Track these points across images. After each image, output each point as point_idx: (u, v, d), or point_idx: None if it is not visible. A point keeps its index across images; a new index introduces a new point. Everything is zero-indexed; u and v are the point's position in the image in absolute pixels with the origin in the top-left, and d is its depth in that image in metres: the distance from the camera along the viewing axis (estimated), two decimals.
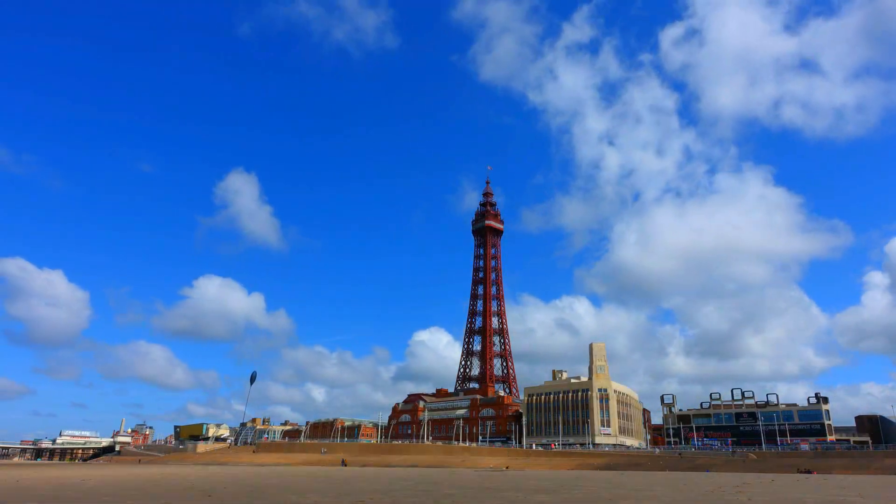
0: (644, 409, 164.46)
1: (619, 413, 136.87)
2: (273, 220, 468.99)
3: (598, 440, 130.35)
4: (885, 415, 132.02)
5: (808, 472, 75.80)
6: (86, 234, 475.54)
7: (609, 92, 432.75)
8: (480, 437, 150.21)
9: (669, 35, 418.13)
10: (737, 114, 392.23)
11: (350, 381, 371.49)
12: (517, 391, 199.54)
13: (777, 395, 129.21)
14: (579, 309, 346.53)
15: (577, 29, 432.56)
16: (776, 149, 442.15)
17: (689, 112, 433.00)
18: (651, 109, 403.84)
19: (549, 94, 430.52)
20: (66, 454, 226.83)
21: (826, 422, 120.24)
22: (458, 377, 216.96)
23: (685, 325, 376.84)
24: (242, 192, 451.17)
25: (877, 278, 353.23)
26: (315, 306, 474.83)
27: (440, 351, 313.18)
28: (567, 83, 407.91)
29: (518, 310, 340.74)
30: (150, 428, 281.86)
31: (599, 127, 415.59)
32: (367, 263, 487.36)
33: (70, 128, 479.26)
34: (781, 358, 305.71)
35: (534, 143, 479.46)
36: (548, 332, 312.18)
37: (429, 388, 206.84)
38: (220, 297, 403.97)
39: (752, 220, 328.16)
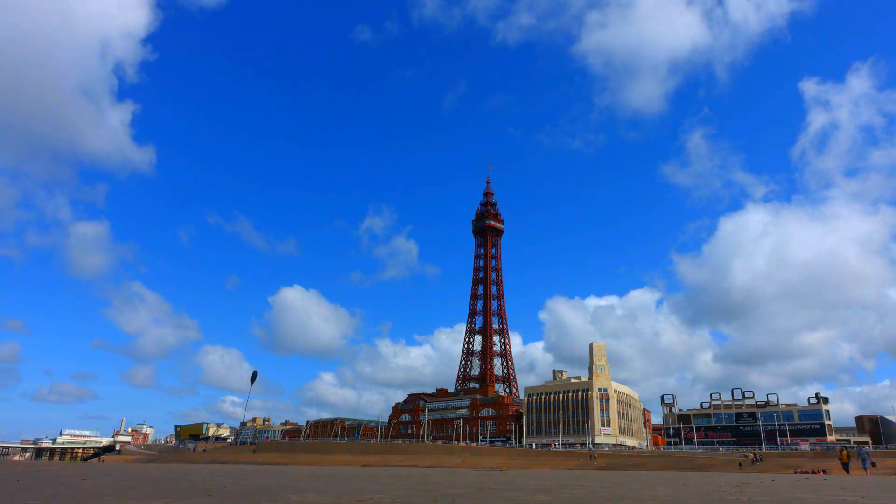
0: (644, 409, 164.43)
1: (619, 413, 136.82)
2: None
3: (598, 440, 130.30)
4: (885, 415, 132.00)
5: (814, 472, 75.49)
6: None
7: None
8: (480, 437, 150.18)
9: None
10: None
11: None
12: (517, 391, 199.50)
13: (777, 396, 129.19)
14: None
15: None
16: None
17: None
18: None
19: None
20: (66, 454, 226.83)
21: (826, 422, 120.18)
22: (458, 377, 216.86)
23: None
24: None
25: None
26: None
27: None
28: None
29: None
30: (151, 427, 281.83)
31: None
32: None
33: None
34: None
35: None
36: None
37: (429, 388, 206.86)
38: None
39: None
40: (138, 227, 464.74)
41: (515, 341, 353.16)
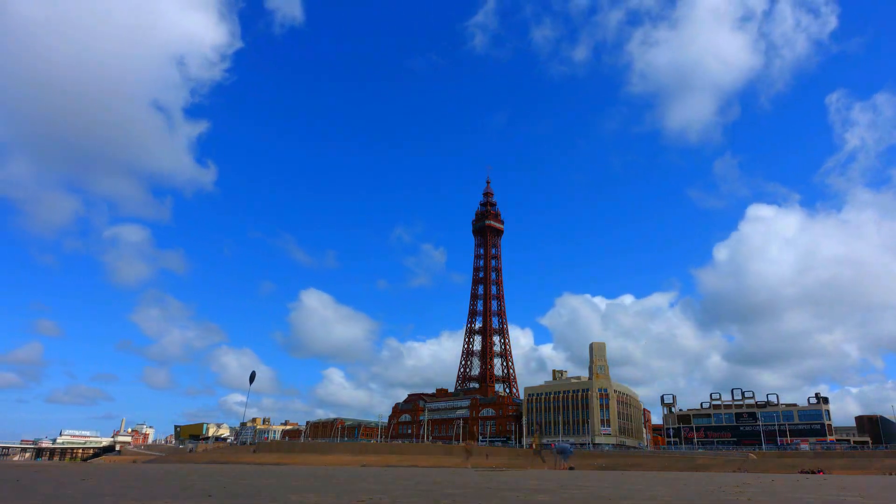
0: (644, 409, 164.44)
1: (619, 413, 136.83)
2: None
3: (598, 440, 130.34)
4: (885, 415, 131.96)
5: (813, 472, 75.51)
6: None
7: None
8: (480, 438, 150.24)
9: None
10: None
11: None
12: (517, 391, 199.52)
13: (777, 396, 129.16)
14: None
15: None
16: None
17: None
18: None
19: None
20: (66, 454, 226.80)
21: (826, 422, 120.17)
22: (458, 377, 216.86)
23: None
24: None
25: None
26: None
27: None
28: None
29: None
30: (151, 427, 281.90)
31: None
32: None
33: None
34: None
35: None
36: None
37: (429, 388, 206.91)
38: None
39: None
40: (188, 238, 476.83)
41: (525, 341, 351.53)
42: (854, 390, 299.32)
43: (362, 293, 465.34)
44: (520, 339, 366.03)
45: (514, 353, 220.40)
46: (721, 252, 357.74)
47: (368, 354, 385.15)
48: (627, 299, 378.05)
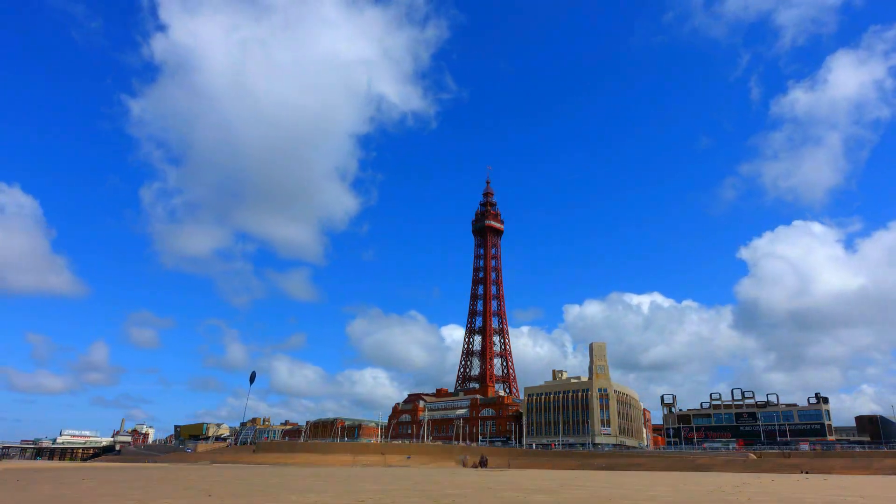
0: (644, 409, 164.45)
1: (619, 413, 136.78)
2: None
3: (598, 440, 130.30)
4: (885, 415, 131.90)
5: (804, 472, 75.76)
6: None
7: None
8: (480, 437, 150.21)
9: None
10: None
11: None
12: (517, 391, 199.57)
13: (777, 395, 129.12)
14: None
15: None
16: None
17: None
18: None
19: None
20: (66, 454, 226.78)
21: (826, 422, 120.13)
22: (458, 377, 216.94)
23: None
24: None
25: None
26: None
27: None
28: None
29: None
30: (151, 427, 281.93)
31: None
32: None
33: None
34: None
35: None
36: None
37: (429, 388, 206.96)
38: None
39: None
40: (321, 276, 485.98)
41: (541, 341, 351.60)
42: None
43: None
44: (520, 340, 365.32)
45: (513, 353, 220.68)
46: (744, 254, 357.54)
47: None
48: (657, 297, 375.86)
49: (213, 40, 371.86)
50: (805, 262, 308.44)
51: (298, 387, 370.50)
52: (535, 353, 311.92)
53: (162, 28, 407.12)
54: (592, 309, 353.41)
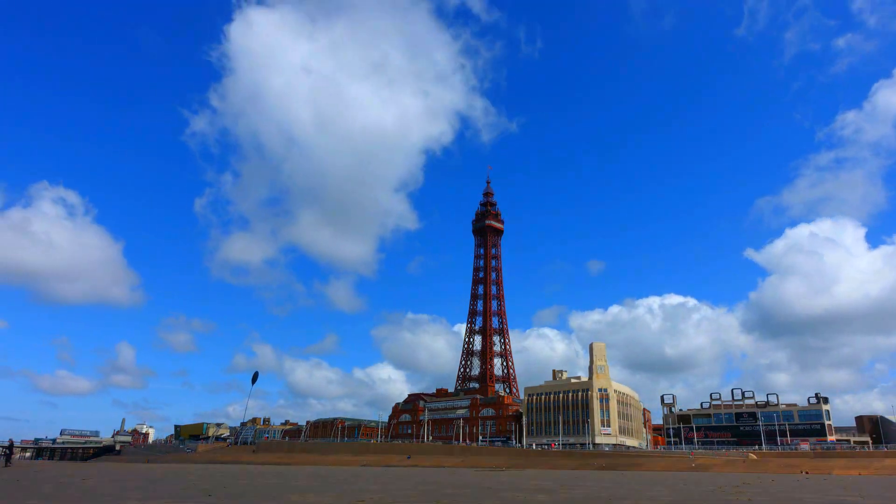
0: (644, 409, 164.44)
1: (619, 413, 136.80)
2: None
3: (598, 440, 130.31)
4: (885, 415, 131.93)
5: (803, 472, 75.72)
6: None
7: None
8: (480, 437, 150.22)
9: None
10: None
11: None
12: (517, 391, 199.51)
13: (777, 395, 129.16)
14: None
15: None
16: None
17: None
18: None
19: None
20: (66, 454, 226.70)
21: (826, 422, 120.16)
22: (458, 377, 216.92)
23: None
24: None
25: None
26: None
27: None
28: None
29: None
30: (151, 427, 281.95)
31: None
32: None
33: None
34: None
35: None
36: None
37: (429, 388, 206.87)
38: None
39: None
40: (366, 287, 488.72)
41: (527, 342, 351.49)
42: None
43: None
44: (539, 342, 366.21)
45: (513, 353, 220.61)
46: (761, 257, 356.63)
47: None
48: (679, 298, 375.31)
49: (278, 53, 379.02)
50: (825, 263, 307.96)
51: (318, 388, 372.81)
52: (556, 353, 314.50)
53: (220, 38, 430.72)
54: (611, 310, 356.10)
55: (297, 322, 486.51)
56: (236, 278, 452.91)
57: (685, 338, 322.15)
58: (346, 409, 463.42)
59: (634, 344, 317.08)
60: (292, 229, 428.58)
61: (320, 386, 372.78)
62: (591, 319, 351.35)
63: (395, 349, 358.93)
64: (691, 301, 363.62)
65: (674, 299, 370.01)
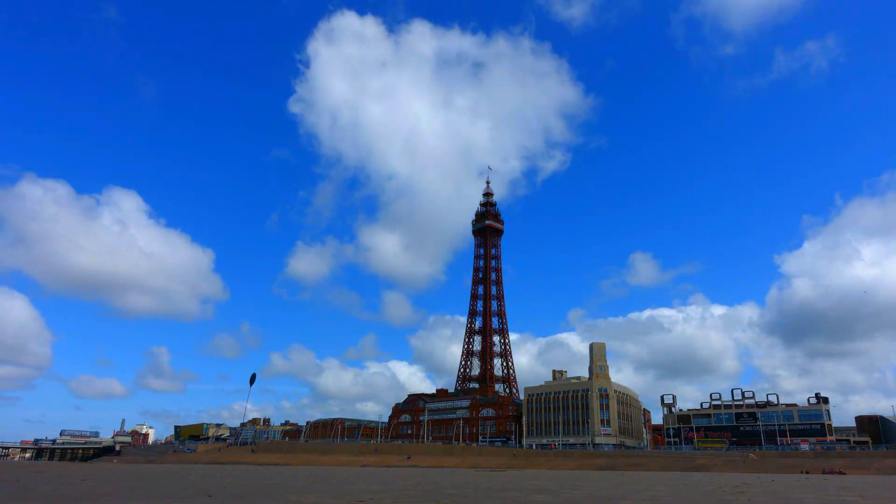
0: (644, 409, 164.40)
1: (619, 413, 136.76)
2: None
3: (598, 440, 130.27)
4: (885, 415, 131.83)
5: (832, 472, 75.18)
6: None
7: None
8: (480, 437, 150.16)
9: None
10: None
11: None
12: (517, 391, 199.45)
13: (777, 396, 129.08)
14: None
15: None
16: None
17: None
18: None
19: None
20: (66, 454, 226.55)
21: (826, 422, 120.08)
22: (458, 377, 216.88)
23: None
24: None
25: None
26: None
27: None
28: None
29: None
30: (151, 428, 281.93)
31: None
32: None
33: None
34: None
35: None
36: None
37: (429, 388, 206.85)
38: None
39: None
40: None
41: (527, 344, 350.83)
42: None
43: None
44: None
45: (514, 355, 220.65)
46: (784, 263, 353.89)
47: None
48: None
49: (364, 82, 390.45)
50: (840, 264, 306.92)
51: (347, 390, 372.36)
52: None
53: (307, 63, 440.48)
54: (631, 315, 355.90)
55: (351, 333, 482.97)
56: (296, 291, 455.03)
57: (701, 340, 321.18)
58: (374, 409, 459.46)
59: (652, 346, 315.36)
60: (360, 240, 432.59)
61: (346, 387, 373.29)
62: (610, 323, 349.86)
63: (425, 351, 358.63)
64: (713, 305, 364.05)
65: (696, 299, 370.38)
